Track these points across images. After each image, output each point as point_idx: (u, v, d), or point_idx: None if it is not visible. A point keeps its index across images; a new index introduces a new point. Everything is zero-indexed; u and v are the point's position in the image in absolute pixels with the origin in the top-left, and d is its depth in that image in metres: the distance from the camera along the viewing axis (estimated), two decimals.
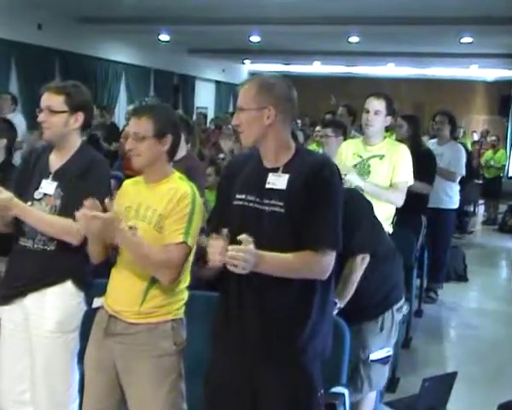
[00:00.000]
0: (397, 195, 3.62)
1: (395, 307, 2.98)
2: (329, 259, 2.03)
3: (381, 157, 3.64)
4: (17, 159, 5.14)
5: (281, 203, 2.01)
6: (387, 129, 4.29)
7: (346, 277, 2.77)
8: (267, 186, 2.05)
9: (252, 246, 1.91)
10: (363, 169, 3.62)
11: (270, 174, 2.06)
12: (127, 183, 2.46)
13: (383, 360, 2.90)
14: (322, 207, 2.01)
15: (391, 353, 2.97)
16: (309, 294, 2.05)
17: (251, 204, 2.06)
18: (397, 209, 3.73)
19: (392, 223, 3.71)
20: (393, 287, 3.01)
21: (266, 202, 2.04)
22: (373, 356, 2.85)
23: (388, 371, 3.12)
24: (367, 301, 2.85)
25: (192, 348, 2.35)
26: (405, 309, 3.18)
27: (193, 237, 2.25)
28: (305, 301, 2.05)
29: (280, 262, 1.99)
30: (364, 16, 8.58)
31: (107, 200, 2.15)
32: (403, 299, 3.07)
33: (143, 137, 2.26)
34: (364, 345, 2.84)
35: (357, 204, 2.88)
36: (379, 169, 3.62)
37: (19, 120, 6.58)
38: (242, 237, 1.91)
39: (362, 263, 2.79)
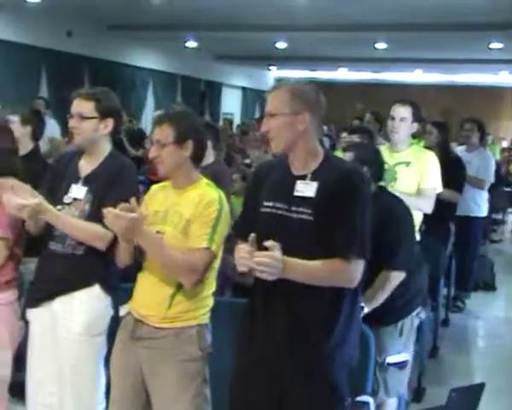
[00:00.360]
0: (425, 201, 3.58)
1: (414, 313, 2.96)
2: (358, 267, 2.01)
3: (408, 164, 3.61)
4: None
5: (309, 211, 2.00)
6: (414, 136, 4.25)
7: (377, 287, 2.75)
8: (295, 194, 2.04)
9: (278, 252, 1.90)
10: (389, 176, 3.59)
11: (299, 182, 2.05)
12: (155, 187, 2.47)
13: (400, 365, 2.88)
14: (351, 214, 1.99)
15: (408, 358, 2.95)
16: (337, 301, 2.03)
17: (279, 211, 2.05)
18: (425, 217, 3.69)
19: (419, 230, 3.67)
20: (416, 294, 2.99)
21: (294, 209, 2.03)
22: (390, 359, 2.83)
23: (411, 379, 3.09)
24: (388, 307, 2.83)
25: (217, 353, 2.35)
26: (423, 315, 3.15)
27: (217, 243, 2.25)
28: (334, 309, 2.03)
29: (307, 269, 1.98)
30: (392, 23, 8.54)
31: (132, 200, 2.17)
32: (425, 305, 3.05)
33: (164, 144, 2.28)
34: (382, 348, 2.81)
35: (405, 220, 2.87)
36: (406, 176, 3.59)
37: (52, 125, 6.68)
38: (269, 243, 1.91)
39: (396, 279, 2.78)
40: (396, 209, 2.87)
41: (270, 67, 16.48)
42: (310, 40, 10.55)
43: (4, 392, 2.72)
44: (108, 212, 2.13)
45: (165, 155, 2.28)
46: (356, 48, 11.39)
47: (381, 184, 2.98)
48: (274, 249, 1.90)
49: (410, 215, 2.97)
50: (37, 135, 3.71)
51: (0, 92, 8.63)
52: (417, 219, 3.63)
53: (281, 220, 2.04)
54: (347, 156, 2.86)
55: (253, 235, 1.95)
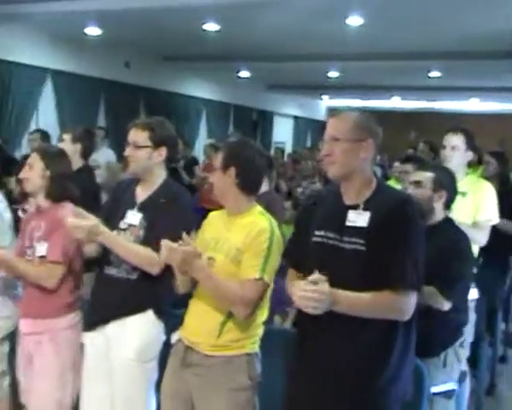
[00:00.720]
0: (480, 233, 3.48)
1: (457, 343, 2.87)
2: (410, 300, 1.96)
3: (464, 194, 3.52)
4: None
5: (362, 241, 1.97)
6: (470, 165, 4.16)
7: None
8: (347, 224, 2.01)
9: (326, 285, 1.87)
10: None
11: (351, 211, 2.03)
12: (213, 214, 2.52)
13: (447, 394, 2.79)
14: (403, 245, 1.96)
15: (455, 387, 2.85)
16: (391, 334, 1.99)
17: (330, 241, 2.04)
18: (483, 249, 3.58)
19: (476, 263, 3.57)
20: (459, 325, 2.90)
21: (346, 239, 2.00)
22: (435, 389, 2.74)
23: None
24: (431, 339, 2.74)
25: (267, 383, 2.34)
26: (466, 346, 3.05)
27: (269, 273, 2.25)
28: (387, 342, 1.99)
29: (357, 302, 1.94)
30: (446, 51, 8.43)
31: (186, 236, 2.19)
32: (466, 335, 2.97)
33: (214, 170, 2.37)
34: None
35: (468, 257, 2.79)
36: (461, 206, 3.49)
37: (108, 154, 6.88)
38: (315, 276, 1.87)
39: (445, 307, 2.71)
40: (461, 244, 2.78)
41: (322, 96, 16.50)
42: (362, 69, 10.53)
43: None
44: (164, 245, 2.17)
45: (214, 180, 2.38)
46: (409, 76, 11.28)
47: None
48: (320, 283, 1.87)
49: (472, 252, 2.89)
50: (86, 153, 3.83)
51: (61, 121, 8.99)
52: (474, 251, 3.53)
53: (332, 250, 2.02)
54: (427, 177, 2.80)
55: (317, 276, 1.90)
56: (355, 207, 2.04)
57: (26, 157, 5.40)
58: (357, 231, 1.99)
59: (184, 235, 2.18)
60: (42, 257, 2.68)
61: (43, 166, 2.73)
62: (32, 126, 8.28)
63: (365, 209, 2.02)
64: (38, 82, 8.77)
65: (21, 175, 2.78)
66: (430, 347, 2.73)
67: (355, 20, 6.98)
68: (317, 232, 2.08)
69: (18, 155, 7.24)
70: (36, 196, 2.77)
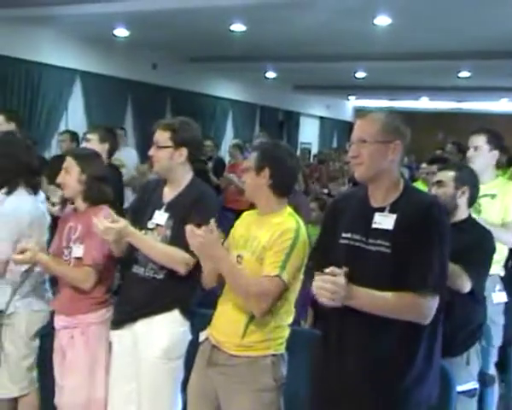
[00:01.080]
0: (508, 234, 3.43)
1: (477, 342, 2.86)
2: (431, 303, 1.94)
3: (493, 196, 3.47)
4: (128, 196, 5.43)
5: (387, 243, 1.96)
6: (499, 166, 4.09)
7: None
8: (373, 226, 2.01)
9: (342, 278, 1.87)
10: (473, 208, 3.47)
11: (377, 214, 2.02)
12: (246, 213, 2.54)
13: (469, 393, 2.76)
14: (429, 248, 1.94)
15: (477, 386, 2.83)
16: (414, 337, 1.97)
17: (356, 243, 2.03)
18: (511, 252, 3.53)
19: (504, 266, 3.51)
20: (480, 324, 2.87)
21: (372, 241, 2.00)
22: (459, 388, 2.71)
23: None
24: (453, 338, 2.71)
25: (292, 384, 2.33)
26: (483, 341, 3.03)
27: (289, 272, 2.24)
28: (410, 344, 1.97)
29: (375, 300, 1.93)
30: (476, 50, 8.31)
31: (212, 222, 2.21)
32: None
33: (248, 170, 2.39)
34: None
35: (490, 253, 2.79)
36: (490, 209, 3.45)
37: (133, 154, 6.94)
38: (330, 269, 1.88)
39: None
40: (484, 237, 2.79)
41: (349, 97, 16.42)
42: (390, 69, 10.44)
43: None
44: (190, 230, 2.21)
45: (247, 180, 2.40)
46: (438, 76, 11.15)
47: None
48: (336, 274, 1.87)
49: (494, 249, 2.87)
50: (111, 153, 3.89)
51: (90, 121, 9.10)
52: (503, 253, 3.48)
53: (358, 252, 2.02)
54: (449, 176, 2.80)
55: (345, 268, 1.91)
56: (382, 210, 2.02)
57: (55, 157, 5.56)
58: (382, 233, 1.98)
59: (212, 222, 2.20)
60: (78, 258, 2.74)
61: (79, 169, 2.76)
62: (62, 127, 8.42)
63: (391, 212, 2.00)
64: (68, 83, 8.90)
65: (59, 180, 2.81)
66: (453, 346, 2.71)
67: (383, 20, 6.92)
68: (343, 234, 2.07)
69: (48, 155, 7.37)
70: (75, 199, 2.82)
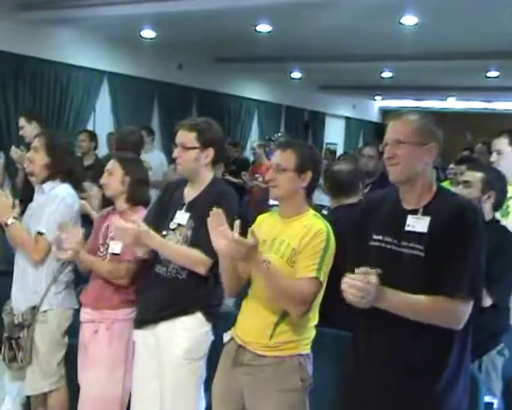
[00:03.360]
0: None
1: (494, 351, 2.79)
2: (465, 308, 1.91)
3: None
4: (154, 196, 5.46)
5: (421, 247, 1.93)
6: None
7: None
8: (406, 229, 1.98)
9: (374, 277, 1.84)
10: (501, 211, 3.42)
11: (410, 216, 1.99)
12: (263, 216, 2.51)
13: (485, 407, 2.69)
14: (463, 252, 1.90)
15: (494, 401, 2.72)
16: (447, 342, 1.94)
17: (388, 246, 2.01)
18: None
19: None
20: (497, 332, 2.81)
21: (405, 244, 1.97)
22: None
23: None
24: None
25: (317, 384, 2.32)
26: (507, 352, 2.92)
27: (325, 273, 2.23)
28: (442, 350, 1.94)
29: (406, 302, 1.90)
30: (504, 50, 8.18)
31: (237, 222, 2.17)
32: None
33: (284, 169, 2.31)
34: None
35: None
36: None
37: (161, 158, 6.97)
38: (360, 269, 1.85)
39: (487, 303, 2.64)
40: (508, 242, 2.74)
41: (375, 97, 16.29)
42: (417, 69, 10.33)
43: None
44: (232, 240, 2.12)
45: (282, 179, 2.32)
46: (466, 76, 11.00)
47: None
48: (367, 274, 1.84)
49: None
50: (138, 150, 3.95)
51: (117, 122, 9.20)
52: None
53: (390, 255, 1.99)
54: (476, 177, 2.77)
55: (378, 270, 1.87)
56: (414, 212, 1.99)
57: (79, 157, 5.64)
58: (416, 236, 1.95)
59: (250, 229, 2.18)
60: (114, 254, 2.80)
61: (122, 172, 2.87)
62: (90, 127, 8.51)
63: (425, 214, 1.97)
64: (95, 84, 9.00)
65: (102, 181, 2.92)
66: None
67: (410, 20, 6.86)
68: (374, 236, 2.05)
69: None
70: (116, 199, 2.90)
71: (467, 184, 2.78)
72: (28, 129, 4.47)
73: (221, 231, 2.16)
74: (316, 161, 2.41)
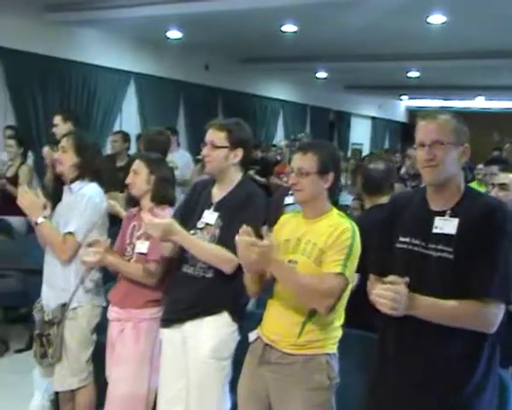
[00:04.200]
0: None
1: None
2: (497, 311, 1.87)
3: None
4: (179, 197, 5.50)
5: (449, 249, 1.90)
6: None
7: None
8: (434, 230, 1.95)
9: (402, 287, 1.82)
10: None
11: (437, 218, 1.96)
12: (285, 217, 2.50)
13: None
14: (494, 254, 1.87)
15: None
16: (476, 346, 1.91)
17: (415, 248, 1.98)
18: None
19: None
20: None
21: (433, 246, 1.94)
22: None
23: None
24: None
25: (343, 384, 2.31)
26: None
27: (350, 270, 2.22)
28: (473, 353, 1.92)
29: (437, 308, 1.88)
30: None
31: (265, 228, 2.19)
32: None
33: (307, 173, 2.30)
34: None
35: None
36: None
37: (186, 156, 7.00)
38: (391, 277, 1.83)
39: None
40: None
41: (402, 97, 16.17)
42: (444, 68, 10.23)
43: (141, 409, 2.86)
44: (242, 241, 2.12)
45: (305, 183, 2.31)
46: (494, 75, 10.86)
47: None
48: (397, 283, 1.82)
49: None
50: (163, 153, 3.98)
51: (143, 122, 9.30)
52: None
53: (417, 257, 1.96)
54: None
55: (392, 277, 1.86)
56: (442, 214, 1.96)
57: (108, 157, 5.71)
58: (444, 238, 1.92)
59: (264, 228, 2.18)
60: (141, 254, 2.84)
61: (147, 171, 2.91)
62: (116, 128, 8.60)
63: (453, 216, 1.94)
64: (122, 85, 9.10)
65: (127, 181, 2.96)
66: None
67: (437, 18, 6.80)
68: (401, 238, 2.02)
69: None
70: (141, 199, 2.94)
71: (503, 186, 2.73)
72: (62, 128, 4.43)
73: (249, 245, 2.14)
74: (337, 161, 2.40)
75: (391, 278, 1.83)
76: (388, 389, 2.03)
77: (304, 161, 2.32)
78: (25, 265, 4.64)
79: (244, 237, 2.14)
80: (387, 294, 1.81)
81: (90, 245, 2.84)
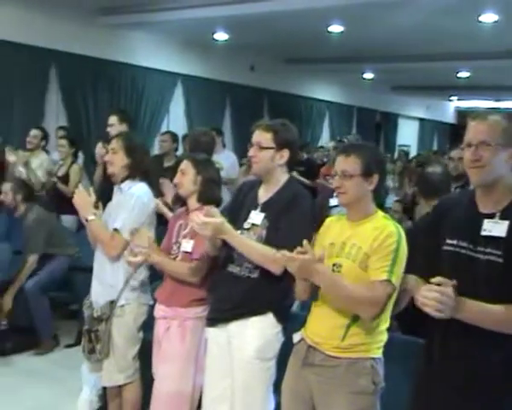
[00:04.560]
0: None
1: None
2: None
3: None
4: (225, 196, 5.53)
5: (499, 252, 1.86)
6: None
7: None
8: (483, 233, 1.91)
9: (450, 289, 1.78)
10: None
11: (486, 220, 1.92)
12: (330, 219, 2.49)
13: None
14: None
15: None
16: None
17: (463, 251, 1.94)
18: None
19: None
20: None
21: (481, 249, 1.90)
22: None
23: None
24: None
25: (388, 389, 2.29)
26: None
27: (397, 276, 2.19)
28: None
29: (486, 313, 1.84)
30: None
31: (305, 243, 2.16)
32: None
33: (351, 176, 2.29)
34: None
35: None
36: None
37: (232, 157, 7.04)
38: (437, 279, 1.79)
39: None
40: None
41: (451, 98, 15.85)
42: (496, 68, 9.97)
43: (186, 408, 2.89)
44: (282, 255, 2.16)
45: (349, 185, 2.29)
46: None
47: None
48: (445, 285, 1.78)
49: None
50: (208, 153, 4.02)
51: (190, 123, 9.41)
52: None
53: (465, 260, 1.93)
54: None
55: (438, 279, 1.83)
56: (491, 216, 1.92)
57: (156, 157, 5.81)
58: (493, 241, 1.88)
59: (304, 242, 2.17)
60: (186, 253, 2.88)
61: (194, 172, 2.95)
62: (163, 129, 8.74)
63: (503, 218, 1.90)
64: (169, 86, 9.24)
65: (175, 181, 3.00)
66: None
67: (489, 17, 6.64)
68: (448, 241, 1.99)
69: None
70: (188, 199, 2.98)
71: None
72: (118, 128, 4.48)
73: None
74: (380, 162, 2.39)
75: (437, 279, 1.79)
76: (433, 395, 1.99)
77: (347, 164, 2.30)
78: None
79: (284, 251, 2.16)
80: (433, 295, 1.77)
81: (131, 235, 2.89)
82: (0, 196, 4.87)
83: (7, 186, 4.84)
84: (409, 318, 2.33)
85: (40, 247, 4.66)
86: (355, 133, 8.65)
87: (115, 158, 3.13)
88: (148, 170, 3.21)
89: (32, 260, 4.63)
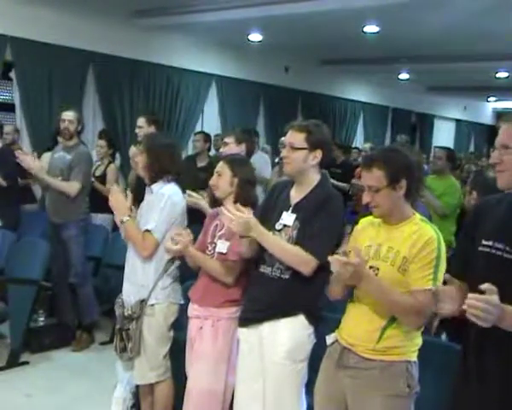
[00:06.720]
0: None
1: None
2: None
3: None
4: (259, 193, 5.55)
5: None
6: None
7: None
8: None
9: (495, 297, 1.73)
10: None
11: None
12: (365, 221, 2.46)
13: None
14: None
15: None
16: None
17: (498, 252, 1.90)
18: None
19: None
20: None
21: None
22: None
23: None
24: None
25: (423, 393, 2.26)
26: None
27: (440, 281, 2.16)
28: None
29: None
30: None
31: (352, 254, 2.16)
32: None
33: (378, 189, 2.24)
34: None
35: None
36: None
37: (265, 158, 7.05)
38: (485, 285, 1.74)
39: None
40: None
41: (489, 98, 15.54)
42: None
43: (217, 407, 2.90)
44: (333, 260, 2.12)
45: (379, 199, 2.26)
46: None
47: None
48: (490, 293, 1.74)
49: None
50: (249, 153, 4.02)
51: (224, 124, 9.45)
52: None
53: (500, 262, 1.88)
54: None
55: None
56: None
57: (189, 157, 5.85)
58: None
59: (351, 246, 2.14)
60: (221, 253, 2.90)
61: (231, 173, 2.95)
62: (198, 128, 8.81)
63: None
64: (204, 87, 9.29)
65: (211, 182, 3.02)
66: None
67: None
68: (484, 242, 1.95)
69: (184, 155, 7.75)
70: (224, 200, 2.98)
71: None
72: (146, 130, 4.53)
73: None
74: (406, 165, 2.26)
75: (485, 286, 1.74)
76: (469, 403, 1.96)
77: (371, 179, 2.25)
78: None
79: (337, 256, 2.13)
80: (481, 305, 1.70)
81: (172, 239, 2.93)
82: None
83: None
84: (455, 323, 2.29)
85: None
86: (404, 136, 8.39)
87: (141, 159, 3.17)
88: (179, 170, 3.20)
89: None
